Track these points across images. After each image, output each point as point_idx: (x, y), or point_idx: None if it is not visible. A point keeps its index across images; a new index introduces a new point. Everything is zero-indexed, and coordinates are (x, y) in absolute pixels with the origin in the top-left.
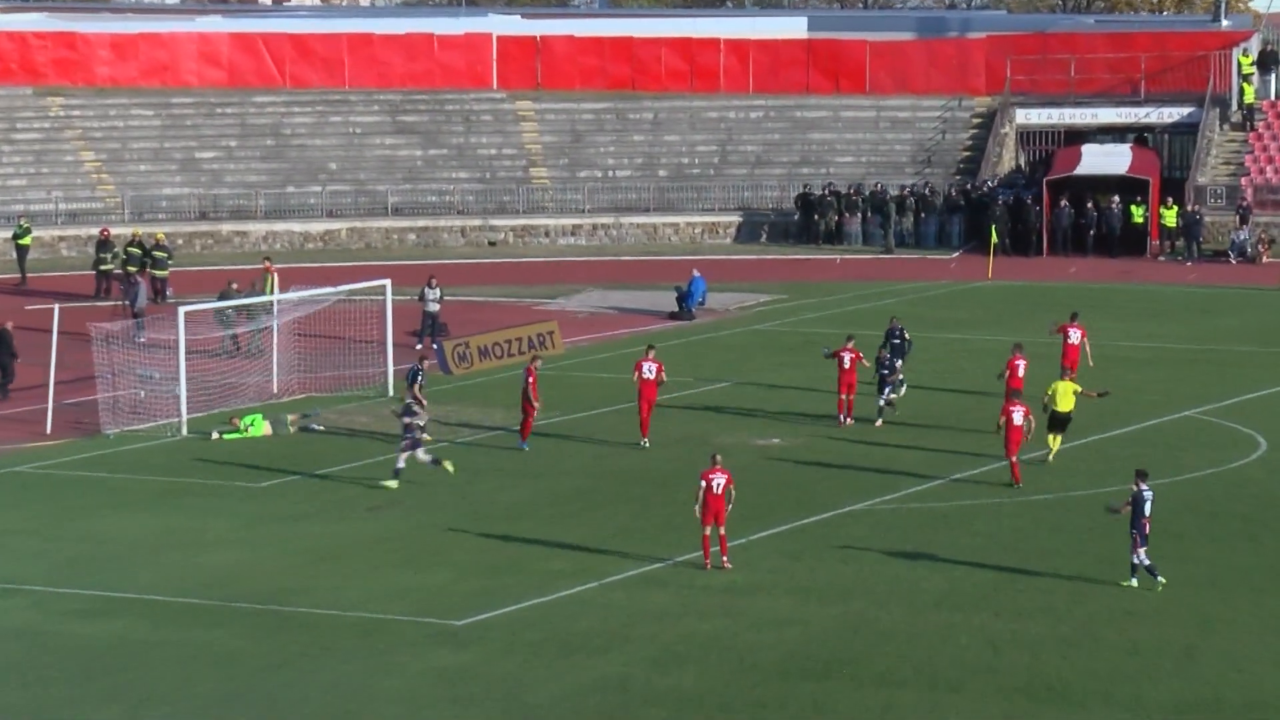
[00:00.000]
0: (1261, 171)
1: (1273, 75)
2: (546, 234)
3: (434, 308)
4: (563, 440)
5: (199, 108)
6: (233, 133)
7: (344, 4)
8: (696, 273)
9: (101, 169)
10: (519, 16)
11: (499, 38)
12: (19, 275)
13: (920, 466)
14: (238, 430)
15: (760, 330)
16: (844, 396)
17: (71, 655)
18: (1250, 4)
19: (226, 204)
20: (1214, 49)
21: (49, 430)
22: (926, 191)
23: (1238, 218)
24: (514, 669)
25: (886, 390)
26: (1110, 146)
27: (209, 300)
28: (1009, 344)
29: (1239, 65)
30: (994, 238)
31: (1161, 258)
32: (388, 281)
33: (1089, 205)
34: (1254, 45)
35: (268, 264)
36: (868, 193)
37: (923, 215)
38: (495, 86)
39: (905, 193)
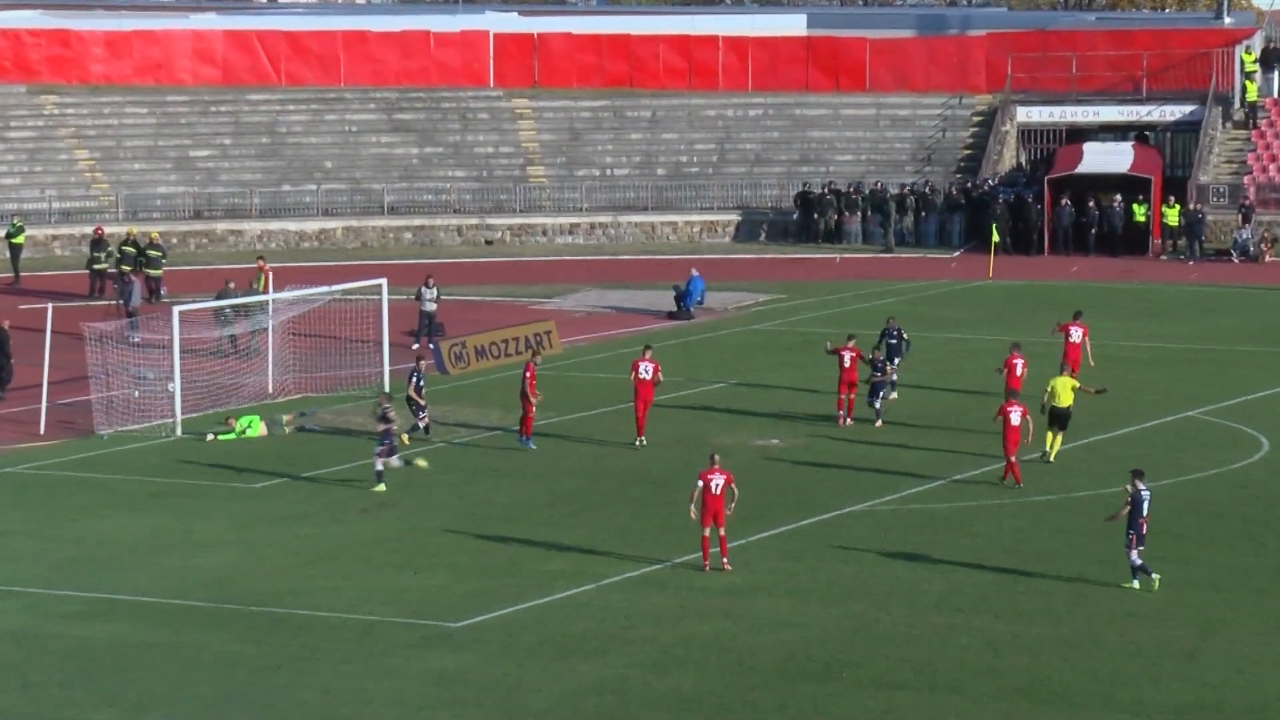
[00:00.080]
0: (1264, 170)
1: (1275, 73)
2: (544, 233)
3: (431, 307)
4: (561, 440)
5: (193, 106)
6: (227, 131)
7: (339, 1)
8: (695, 272)
9: (95, 167)
10: (516, 14)
11: (496, 35)
12: (12, 274)
13: (920, 467)
14: (232, 431)
15: (759, 330)
16: (844, 396)
17: (67, 657)
18: (1253, 1)
19: (221, 203)
20: (1216, 46)
21: (43, 431)
22: (927, 190)
23: (1240, 216)
24: (511, 671)
25: (881, 394)
26: (1112, 145)
27: (204, 300)
28: (1009, 344)
29: (1242, 63)
30: (995, 237)
31: (1163, 257)
32: (384, 281)
33: (1090, 204)
34: (1257, 43)
35: (261, 263)
36: (867, 191)
37: (923, 214)
38: (492, 84)
39: (905, 191)
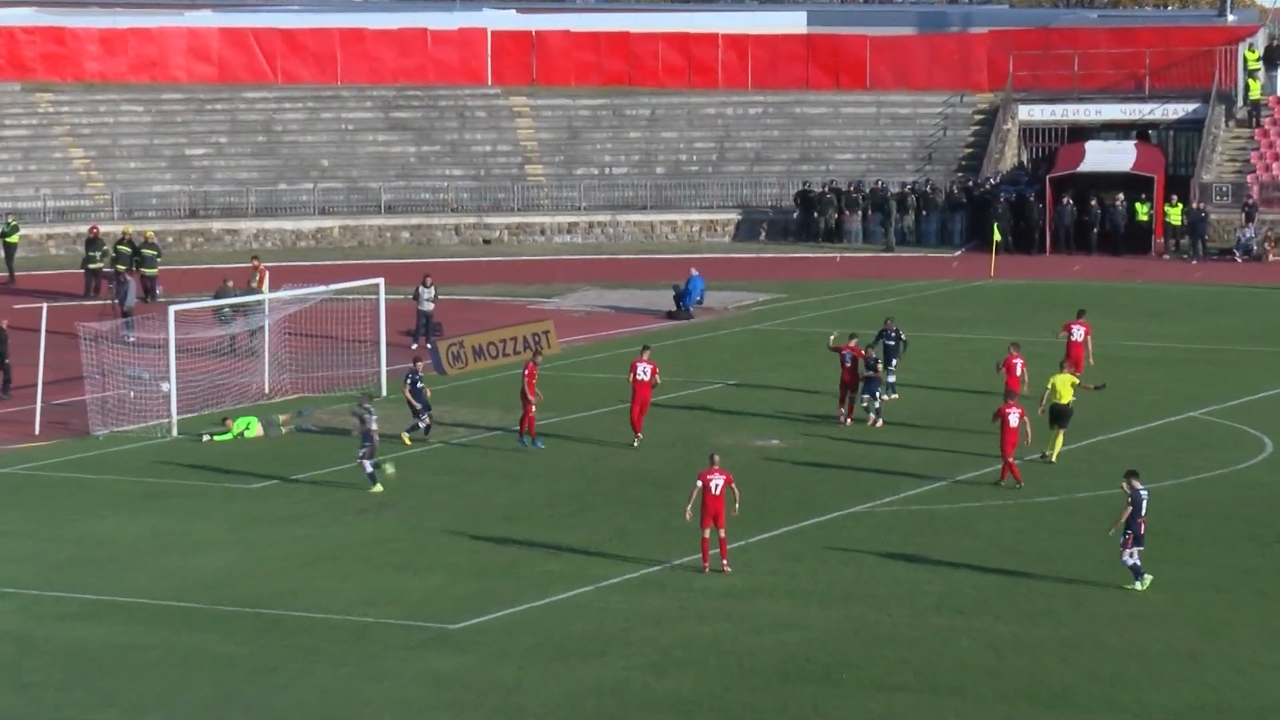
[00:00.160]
0: (1268, 169)
1: (1279, 71)
2: (542, 232)
3: (428, 307)
4: (559, 441)
5: (189, 104)
6: (223, 129)
7: None
8: (694, 271)
9: (90, 166)
10: (514, 11)
11: (493, 33)
12: (7, 274)
13: (921, 468)
14: (229, 432)
15: (759, 330)
16: (845, 395)
17: (64, 658)
18: None
19: (217, 201)
20: (1219, 44)
21: (38, 431)
22: (928, 189)
23: (1243, 215)
24: (509, 673)
25: (877, 392)
26: (1114, 143)
27: (199, 299)
28: (1008, 344)
29: (1245, 61)
30: (996, 236)
31: (1166, 256)
32: (381, 280)
33: (1093, 203)
34: (1260, 40)
35: (256, 262)
36: (868, 190)
37: (924, 213)
38: (490, 82)
39: (906, 190)
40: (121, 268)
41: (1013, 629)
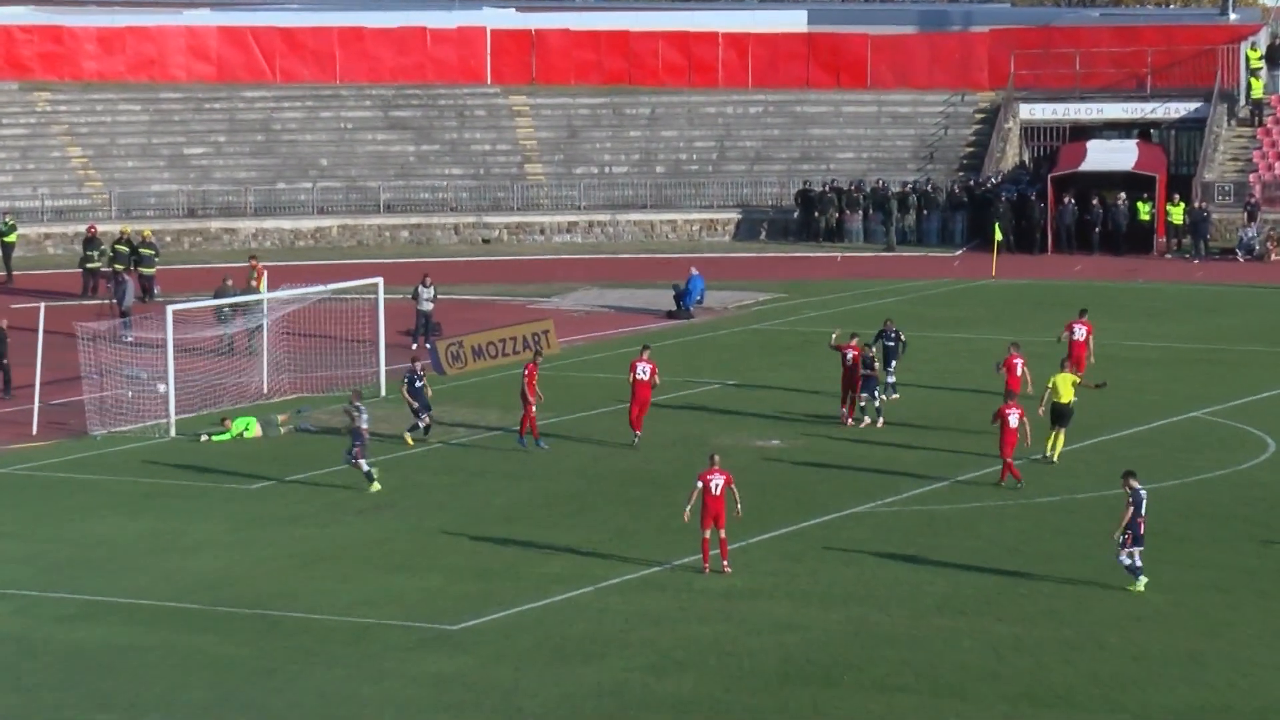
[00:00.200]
0: (1270, 168)
1: None
2: (541, 231)
3: (428, 307)
4: (558, 441)
5: (187, 103)
6: (222, 128)
7: None
8: (694, 271)
9: (88, 165)
10: (513, 10)
11: (493, 31)
12: (5, 273)
13: (922, 468)
14: (228, 432)
15: (759, 329)
16: (847, 395)
17: (60, 660)
18: None
19: (215, 201)
20: (1221, 43)
21: (35, 431)
22: (929, 188)
23: (1246, 215)
24: (508, 675)
25: (875, 391)
26: (1116, 142)
27: (198, 299)
28: (1008, 344)
29: (1247, 59)
30: (998, 235)
31: (1168, 255)
32: (380, 280)
33: (1094, 202)
34: (1262, 39)
35: (254, 262)
36: (869, 189)
37: (925, 212)
38: (489, 81)
39: (907, 189)
40: (119, 267)
41: (1014, 630)
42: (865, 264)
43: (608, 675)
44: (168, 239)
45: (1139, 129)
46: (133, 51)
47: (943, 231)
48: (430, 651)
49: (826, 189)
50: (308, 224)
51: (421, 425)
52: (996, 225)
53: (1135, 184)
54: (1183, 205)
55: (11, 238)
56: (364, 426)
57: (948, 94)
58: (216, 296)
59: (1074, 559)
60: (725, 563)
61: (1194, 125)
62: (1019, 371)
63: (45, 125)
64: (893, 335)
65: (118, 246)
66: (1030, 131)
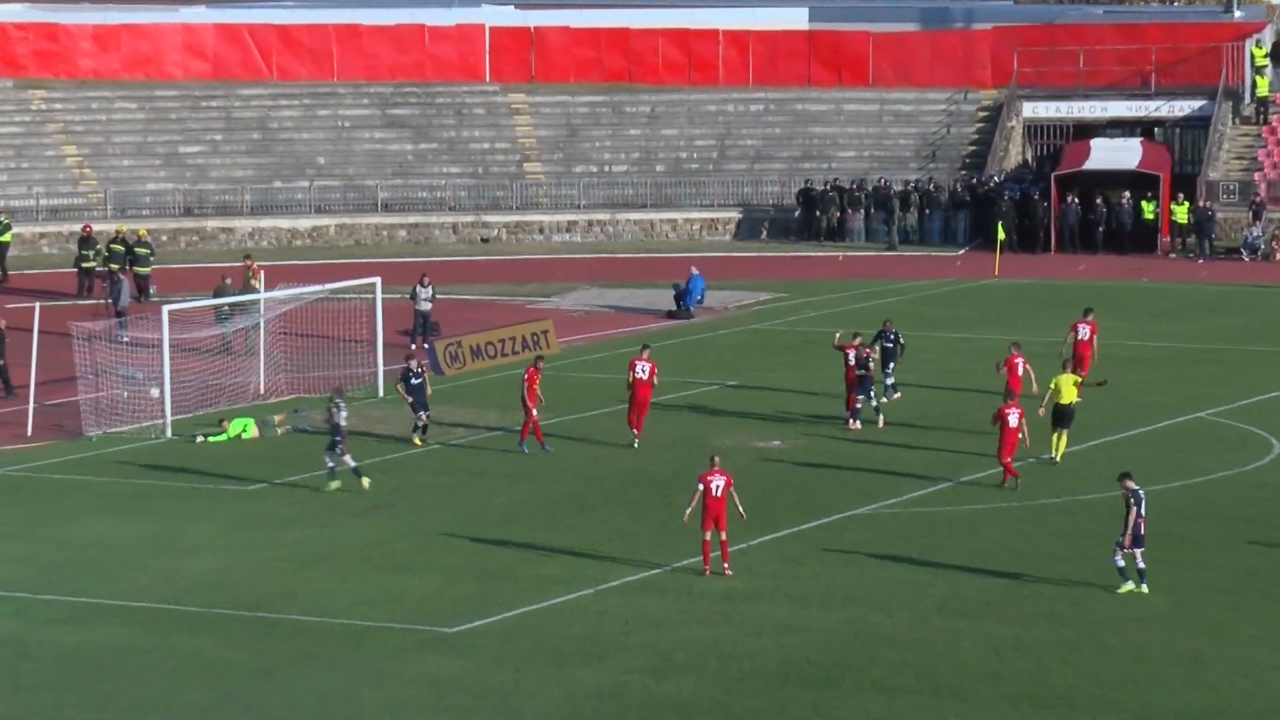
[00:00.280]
0: (1275, 166)
1: None
2: (541, 231)
3: (426, 306)
4: (557, 442)
5: (183, 101)
6: (218, 126)
7: None
8: (695, 270)
9: (83, 164)
10: (512, 7)
11: (491, 29)
12: (0, 273)
13: (924, 469)
14: (224, 433)
15: (760, 329)
16: (852, 395)
17: (58, 662)
18: None
19: (212, 200)
20: (1226, 40)
21: (30, 432)
22: (931, 187)
23: (1251, 214)
24: (507, 677)
25: (869, 392)
26: (1120, 141)
27: (194, 298)
28: (1009, 343)
29: (1252, 57)
30: (1000, 234)
31: (1173, 255)
32: (378, 279)
33: (1098, 201)
34: (1267, 36)
35: (249, 261)
36: (871, 188)
37: (927, 211)
38: (488, 79)
39: (909, 188)
40: (115, 267)
41: (1015, 631)
42: (867, 263)
43: (607, 677)
44: (164, 238)
45: (1143, 127)
46: (128, 49)
47: (945, 231)
48: (429, 653)
49: (828, 188)
50: (305, 223)
51: (419, 424)
52: (999, 224)
53: (1139, 183)
54: (1187, 204)
55: (6, 237)
56: (342, 422)
57: (950, 92)
58: (216, 295)
59: (1076, 560)
60: (726, 564)
61: (1198, 123)
62: (1020, 371)
63: (40, 123)
64: (891, 336)
65: (113, 246)
66: (1033, 130)
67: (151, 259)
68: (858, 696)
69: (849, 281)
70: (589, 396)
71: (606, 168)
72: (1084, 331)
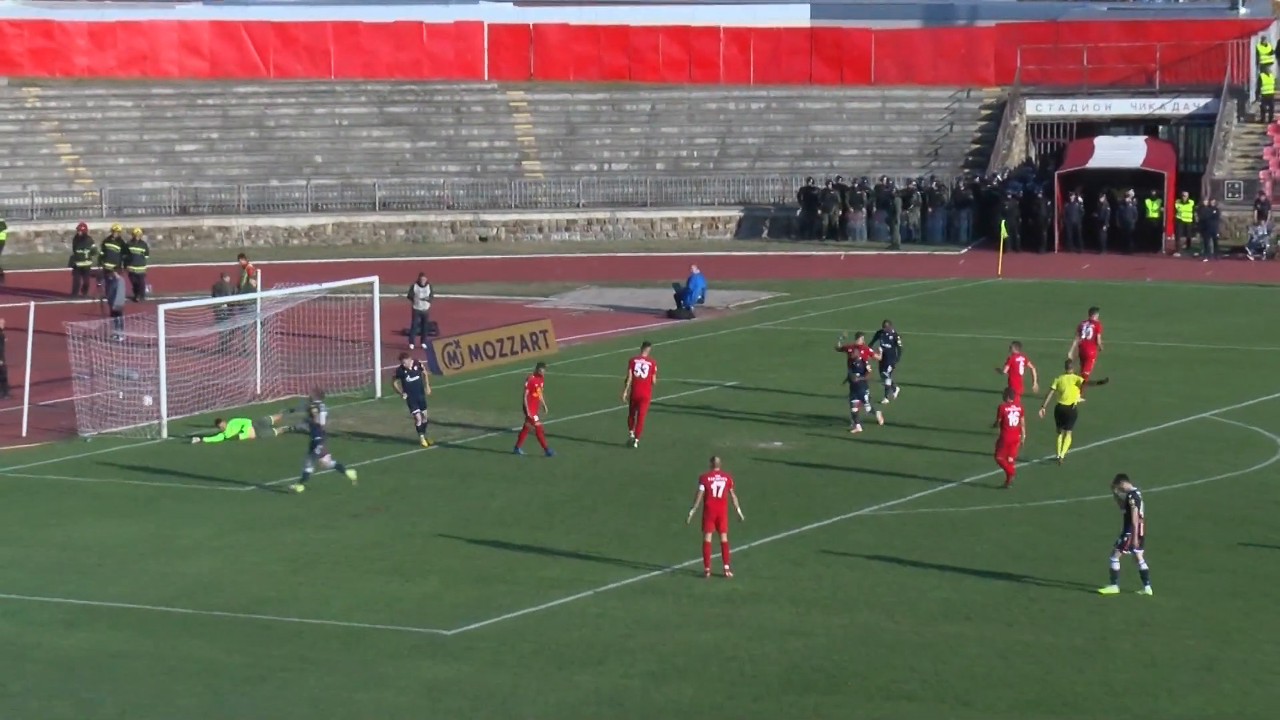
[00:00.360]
0: None
1: None
2: (540, 229)
3: (424, 306)
4: (556, 442)
5: (179, 99)
6: (214, 124)
7: None
8: (695, 269)
9: (79, 162)
10: (511, 4)
11: (490, 26)
12: None
13: (927, 469)
14: (221, 434)
15: (761, 329)
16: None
17: (49, 666)
18: None
19: (208, 198)
20: (1231, 38)
21: (24, 433)
22: (934, 185)
23: (1256, 213)
24: (505, 681)
25: (864, 395)
26: (1124, 139)
27: (190, 298)
28: (1009, 343)
29: (1257, 55)
30: (1004, 233)
31: (1177, 254)
32: (375, 279)
33: (1102, 200)
34: (1273, 34)
35: (244, 260)
36: (873, 187)
37: (930, 210)
38: (486, 77)
39: (912, 187)
40: (110, 266)
41: (1022, 636)
42: (869, 263)
43: (607, 682)
44: (159, 237)
45: (1147, 125)
46: (124, 46)
47: (948, 230)
48: (426, 657)
49: (830, 186)
50: (302, 222)
51: (418, 424)
52: (1002, 223)
53: (1144, 181)
54: (1192, 203)
55: (1, 236)
56: (322, 422)
57: (953, 89)
58: (215, 294)
59: (1081, 563)
60: (726, 567)
61: (1203, 121)
62: (1021, 370)
63: (35, 121)
64: (890, 337)
65: (108, 245)
66: (1037, 128)
67: (147, 258)
68: (861, 702)
69: (851, 281)
70: (588, 397)
71: (606, 166)
72: (1088, 331)
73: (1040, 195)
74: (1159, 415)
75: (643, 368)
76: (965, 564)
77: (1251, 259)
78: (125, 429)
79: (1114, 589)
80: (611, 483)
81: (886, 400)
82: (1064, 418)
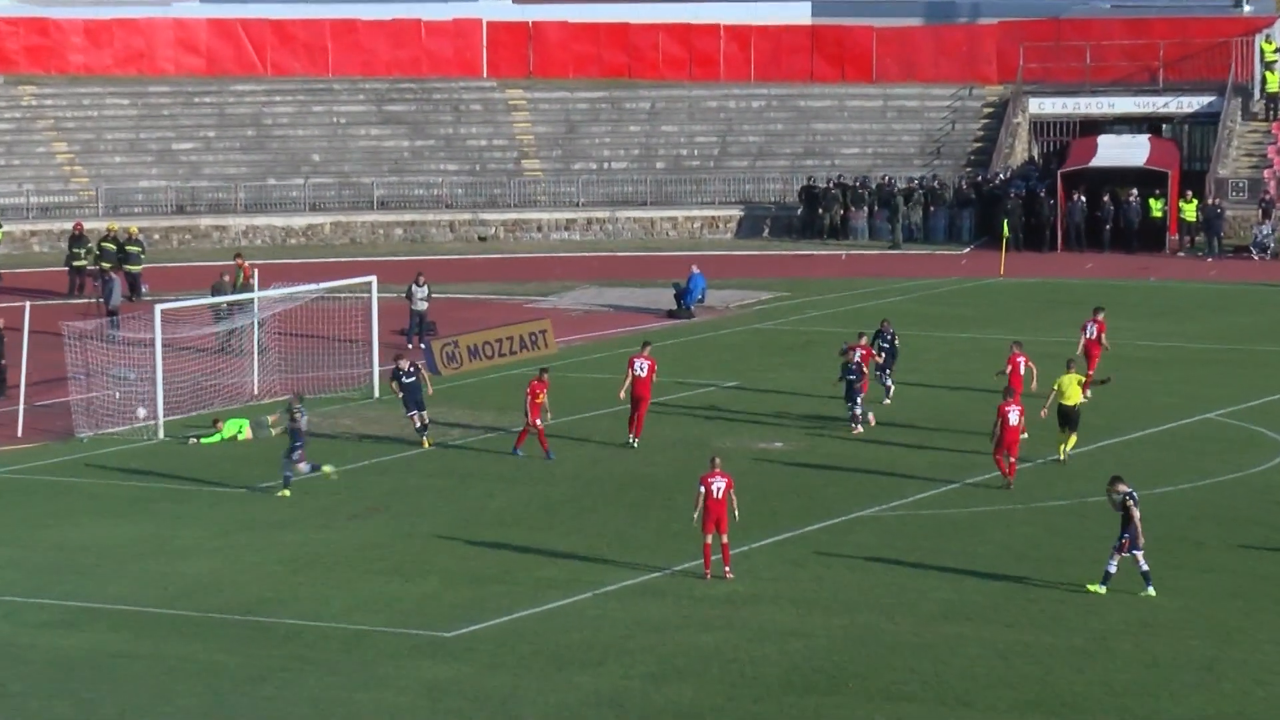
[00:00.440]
0: None
1: None
2: (539, 229)
3: (422, 306)
4: (556, 443)
5: (176, 97)
6: (211, 123)
7: None
8: (695, 269)
9: (75, 161)
10: (510, 2)
11: (489, 24)
12: None
13: (928, 470)
14: (218, 434)
15: (761, 329)
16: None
17: (47, 667)
18: None
19: (205, 197)
20: (1235, 35)
21: (20, 434)
22: (936, 184)
23: (1260, 212)
24: (504, 683)
25: (859, 399)
26: (1127, 138)
27: (187, 297)
28: (1010, 343)
29: (1261, 52)
30: (1006, 232)
31: (1181, 253)
32: (373, 278)
33: (1105, 199)
34: (1277, 32)
35: (240, 260)
36: (874, 185)
37: (932, 209)
38: (485, 75)
39: (913, 186)
40: (106, 265)
41: (1022, 636)
42: (870, 262)
43: (607, 683)
44: (156, 236)
45: (1151, 124)
46: (120, 44)
47: (950, 229)
48: (425, 658)
49: (831, 185)
50: (299, 221)
51: (417, 425)
52: (1005, 222)
53: (1147, 180)
54: (1195, 202)
55: None
56: (302, 426)
57: (955, 88)
58: (214, 293)
59: (1082, 563)
60: (727, 568)
61: (1207, 120)
62: (1022, 370)
63: (30, 120)
64: (889, 337)
65: (105, 244)
66: (1039, 126)
67: (143, 257)
68: (862, 703)
69: (852, 280)
70: (588, 397)
71: (606, 165)
72: (1092, 330)
73: (1043, 194)
74: (1162, 416)
75: (642, 367)
76: (966, 565)
77: (1256, 258)
78: (122, 429)
79: (1102, 589)
80: (611, 483)
81: (886, 401)
82: (1066, 418)
